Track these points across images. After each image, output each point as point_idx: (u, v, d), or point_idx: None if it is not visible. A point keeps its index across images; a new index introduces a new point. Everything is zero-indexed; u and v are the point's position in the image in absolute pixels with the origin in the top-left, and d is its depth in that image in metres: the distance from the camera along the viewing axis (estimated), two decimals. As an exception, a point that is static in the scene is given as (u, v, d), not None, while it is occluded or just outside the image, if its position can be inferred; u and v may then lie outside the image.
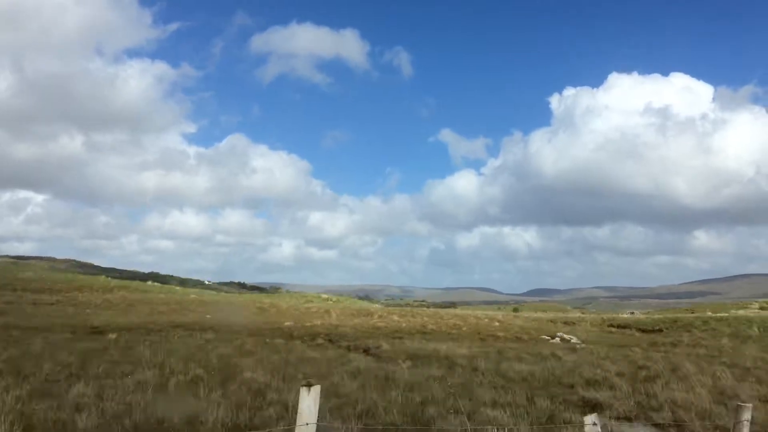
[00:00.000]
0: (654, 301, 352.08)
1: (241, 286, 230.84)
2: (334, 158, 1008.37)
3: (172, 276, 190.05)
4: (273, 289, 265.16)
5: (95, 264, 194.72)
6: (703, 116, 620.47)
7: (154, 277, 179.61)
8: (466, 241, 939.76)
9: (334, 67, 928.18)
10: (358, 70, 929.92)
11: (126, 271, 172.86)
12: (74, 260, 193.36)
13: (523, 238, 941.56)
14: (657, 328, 37.88)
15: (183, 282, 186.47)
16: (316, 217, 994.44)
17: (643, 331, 37.02)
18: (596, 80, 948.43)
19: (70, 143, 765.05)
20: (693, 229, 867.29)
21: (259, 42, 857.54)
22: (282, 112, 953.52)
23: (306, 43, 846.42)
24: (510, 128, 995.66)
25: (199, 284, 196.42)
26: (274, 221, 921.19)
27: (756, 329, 33.70)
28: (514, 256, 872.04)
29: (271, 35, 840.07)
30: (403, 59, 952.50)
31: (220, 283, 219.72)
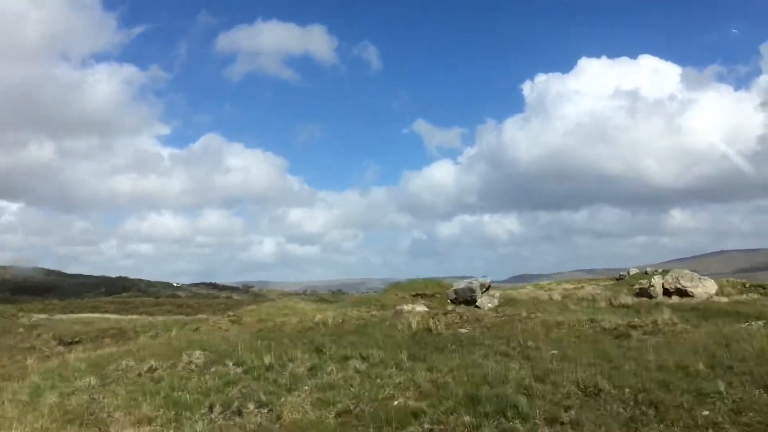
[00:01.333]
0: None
1: (213, 286, 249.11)
2: (310, 154, 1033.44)
3: (140, 279, 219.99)
4: (245, 288, 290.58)
5: (63, 271, 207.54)
6: (671, 97, 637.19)
7: (123, 281, 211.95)
8: (447, 230, 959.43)
9: (303, 63, 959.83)
10: (327, 65, 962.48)
11: (92, 276, 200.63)
12: (41, 268, 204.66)
13: (503, 224, 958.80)
14: (76, 339, 29.48)
15: (150, 285, 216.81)
16: (295, 214, 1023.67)
17: (66, 343, 28.41)
18: (566, 66, 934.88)
19: (41, 150, 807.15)
20: (668, 209, 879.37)
21: (225, 41, 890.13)
22: (255, 110, 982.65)
23: (273, 40, 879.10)
24: (484, 116, 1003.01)
25: (168, 287, 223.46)
26: (252, 220, 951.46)
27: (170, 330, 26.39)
28: (495, 243, 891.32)
29: (237, 34, 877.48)
30: (371, 53, 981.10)
31: (191, 285, 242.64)
